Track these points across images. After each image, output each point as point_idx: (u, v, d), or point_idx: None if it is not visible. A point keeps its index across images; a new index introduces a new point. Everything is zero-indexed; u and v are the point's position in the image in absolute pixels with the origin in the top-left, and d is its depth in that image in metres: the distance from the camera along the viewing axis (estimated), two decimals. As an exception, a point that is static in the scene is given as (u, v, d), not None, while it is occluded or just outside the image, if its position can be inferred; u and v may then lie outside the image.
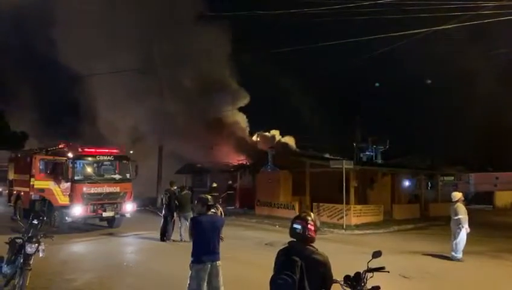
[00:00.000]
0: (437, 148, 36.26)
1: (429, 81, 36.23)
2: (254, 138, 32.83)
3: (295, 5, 13.83)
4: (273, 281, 3.17)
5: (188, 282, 5.15)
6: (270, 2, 15.51)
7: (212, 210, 6.34)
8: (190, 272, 5.15)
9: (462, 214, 10.47)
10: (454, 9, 11.95)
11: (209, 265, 5.14)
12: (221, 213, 11.02)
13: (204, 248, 5.19)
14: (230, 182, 13.36)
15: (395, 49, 16.17)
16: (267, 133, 33.31)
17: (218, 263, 5.28)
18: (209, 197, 5.59)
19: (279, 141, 32.12)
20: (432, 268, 9.65)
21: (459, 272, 9.53)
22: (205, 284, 5.12)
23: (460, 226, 10.40)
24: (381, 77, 36.95)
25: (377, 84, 37.72)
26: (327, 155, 25.42)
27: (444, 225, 13.29)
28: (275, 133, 33.53)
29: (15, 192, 17.12)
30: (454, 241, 10.50)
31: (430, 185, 28.40)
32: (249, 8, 15.28)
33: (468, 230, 10.49)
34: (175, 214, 12.86)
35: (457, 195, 10.83)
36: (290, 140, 33.26)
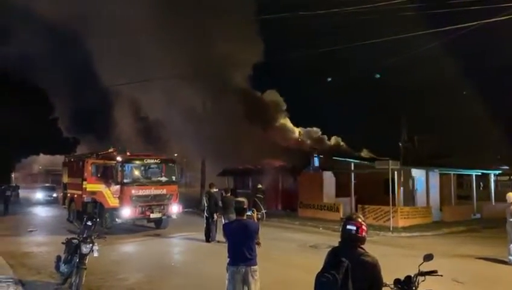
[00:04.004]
0: (486, 148, 34.31)
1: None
2: (297, 134, 32.54)
3: (335, 4, 13.66)
4: (317, 278, 3.22)
5: (226, 284, 5.22)
6: (310, 3, 15.42)
7: (248, 213, 6.32)
8: (227, 274, 5.22)
9: (519, 216, 9.91)
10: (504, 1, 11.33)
11: (244, 269, 5.11)
12: (258, 217, 11.03)
13: (237, 253, 5.17)
14: (259, 185, 12.86)
15: (437, 46, 15.54)
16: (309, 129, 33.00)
17: (254, 268, 5.17)
18: (245, 201, 5.54)
19: (323, 141, 31.80)
20: (487, 273, 9.19)
21: (517, 278, 9.02)
22: (243, 286, 5.12)
23: (517, 228, 9.85)
24: (423, 75, 35.42)
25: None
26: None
27: (499, 227, 12.61)
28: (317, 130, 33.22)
29: (69, 195, 18.03)
30: (511, 245, 9.95)
31: (482, 186, 27.01)
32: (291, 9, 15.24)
33: (526, 233, 9.91)
34: (215, 215, 13.02)
35: (512, 196, 10.25)
36: (335, 140, 32.82)
